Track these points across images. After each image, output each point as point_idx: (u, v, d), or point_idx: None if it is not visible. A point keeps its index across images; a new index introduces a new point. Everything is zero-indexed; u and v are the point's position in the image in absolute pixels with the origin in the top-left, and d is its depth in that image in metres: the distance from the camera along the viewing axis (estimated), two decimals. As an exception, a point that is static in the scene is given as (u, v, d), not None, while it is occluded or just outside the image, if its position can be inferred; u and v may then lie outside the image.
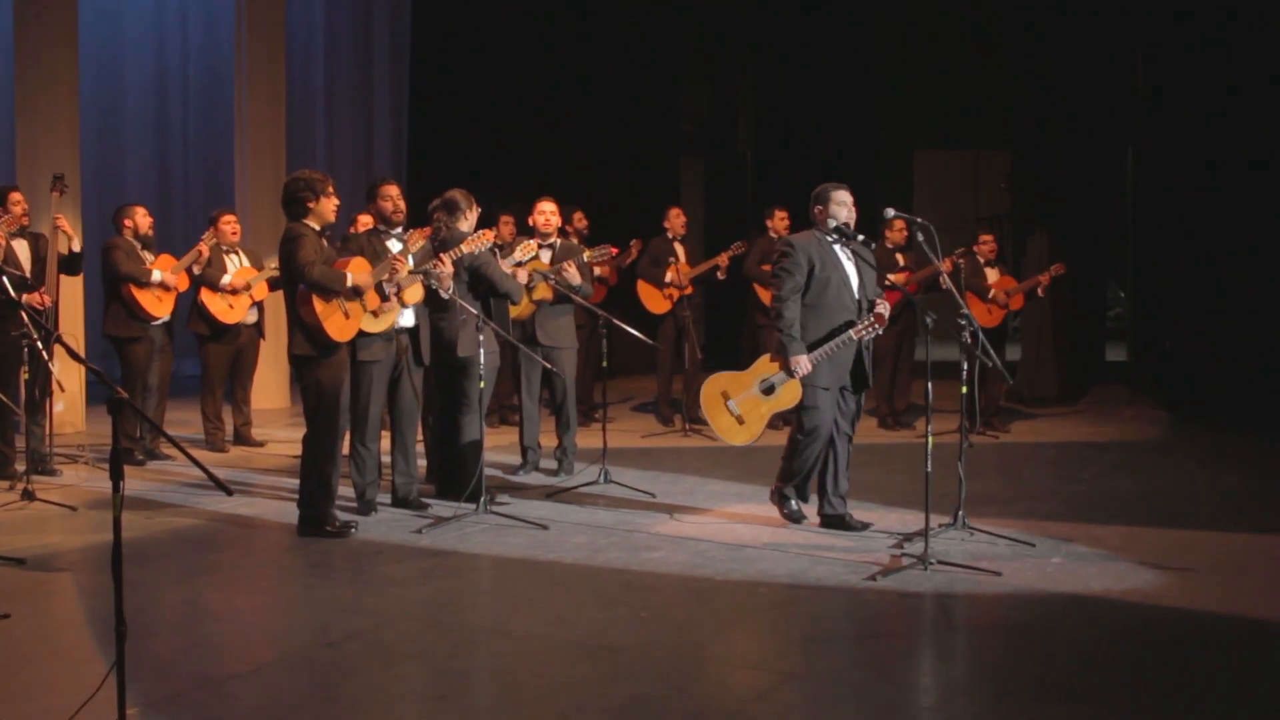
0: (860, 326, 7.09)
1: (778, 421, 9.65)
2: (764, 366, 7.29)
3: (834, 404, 7.33)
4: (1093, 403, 13.86)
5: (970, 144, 19.08)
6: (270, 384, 12.65)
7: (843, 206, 7.26)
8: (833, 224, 7.25)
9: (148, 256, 9.93)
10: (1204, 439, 11.59)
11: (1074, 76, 14.85)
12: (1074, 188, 14.65)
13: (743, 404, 7.29)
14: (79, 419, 11.41)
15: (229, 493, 4.40)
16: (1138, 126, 15.83)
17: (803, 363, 7.09)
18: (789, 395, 7.19)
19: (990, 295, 11.06)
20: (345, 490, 7.89)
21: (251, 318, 10.50)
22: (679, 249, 11.65)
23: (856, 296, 7.24)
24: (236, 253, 10.45)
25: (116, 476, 4.18)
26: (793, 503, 7.60)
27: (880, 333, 7.18)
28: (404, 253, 7.63)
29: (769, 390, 7.24)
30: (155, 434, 10.03)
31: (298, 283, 7.24)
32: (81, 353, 10.32)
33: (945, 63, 18.90)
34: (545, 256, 9.45)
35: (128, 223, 9.92)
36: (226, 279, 10.21)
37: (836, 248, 7.25)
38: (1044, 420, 12.42)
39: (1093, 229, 14.80)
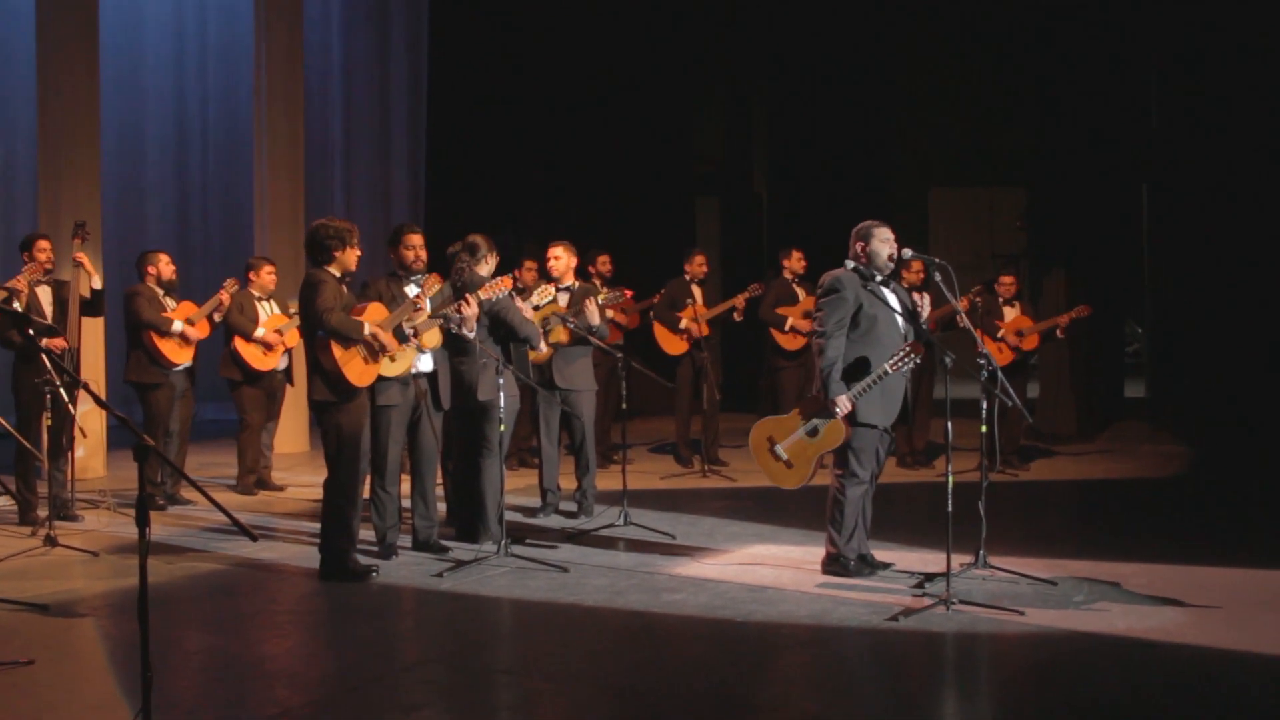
0: (895, 359, 6.99)
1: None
2: (807, 409, 7.22)
3: (877, 445, 7.28)
4: (1112, 439, 13.82)
5: (986, 182, 19.13)
6: (290, 428, 12.70)
7: (885, 244, 7.18)
8: (878, 262, 7.19)
9: (170, 303, 10.00)
10: (1223, 475, 11.56)
11: (1089, 114, 14.90)
12: (1090, 225, 14.67)
13: (790, 448, 7.24)
14: (100, 464, 11.47)
15: (253, 538, 4.42)
16: (1153, 164, 15.87)
17: (843, 402, 7.04)
18: (833, 436, 7.13)
19: (999, 335, 11.04)
20: (366, 534, 7.91)
21: (282, 364, 10.57)
22: (696, 291, 11.68)
23: (903, 333, 7.23)
24: (268, 300, 10.53)
25: (142, 523, 4.20)
26: (852, 564, 7.34)
27: (919, 361, 7.05)
28: (422, 295, 7.66)
29: (813, 432, 7.19)
30: (177, 479, 10.07)
31: (316, 329, 7.29)
32: (103, 398, 10.48)
33: (960, 101, 18.96)
34: (562, 300, 9.49)
35: (151, 270, 10.01)
36: (260, 331, 10.29)
37: (877, 284, 7.23)
38: (1063, 458, 12.39)
39: (1110, 266, 14.79)
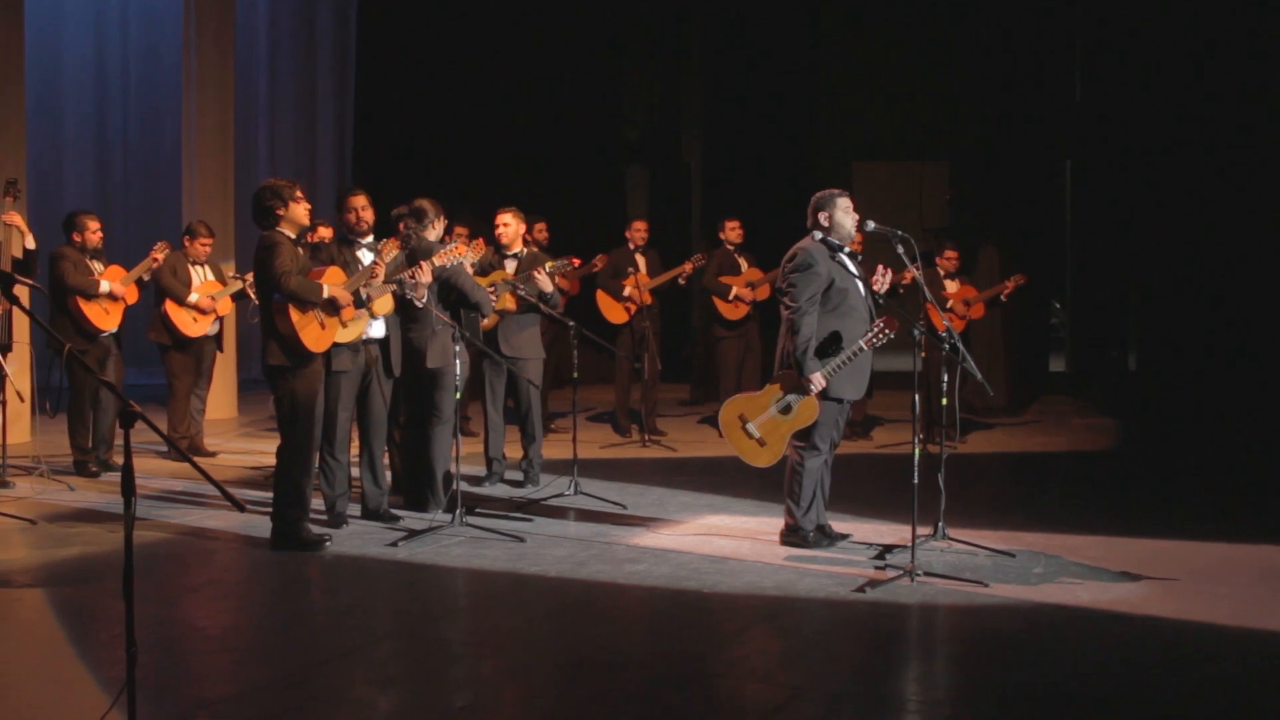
0: (870, 335, 6.95)
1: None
2: (778, 387, 7.13)
3: (837, 417, 7.28)
4: (1041, 413, 14.00)
5: (912, 156, 19.22)
6: (219, 394, 12.44)
7: (848, 214, 7.13)
8: (842, 232, 7.15)
9: (97, 267, 9.71)
10: (1154, 448, 11.77)
11: (1013, 91, 15.04)
12: (1014, 201, 14.81)
13: (762, 426, 7.15)
14: (25, 429, 11.13)
15: (242, 509, 4.29)
16: (1076, 141, 16.06)
17: (818, 379, 6.98)
18: (807, 413, 7.06)
19: (948, 305, 11.11)
20: (315, 502, 7.75)
21: (213, 330, 10.34)
22: (640, 260, 11.61)
23: (868, 303, 7.21)
24: (203, 265, 10.28)
25: (129, 494, 4.05)
26: (810, 535, 7.34)
27: (893, 337, 6.99)
28: (380, 261, 7.51)
29: (786, 410, 7.10)
30: (108, 446, 9.83)
31: (273, 293, 7.10)
32: (28, 363, 10.18)
33: (885, 74, 19.00)
34: (510, 266, 9.37)
35: (76, 236, 9.71)
36: (194, 298, 10.06)
37: (843, 255, 7.19)
38: (998, 431, 12.52)
39: (1034, 241, 14.95)
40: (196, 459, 10.30)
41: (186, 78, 13.28)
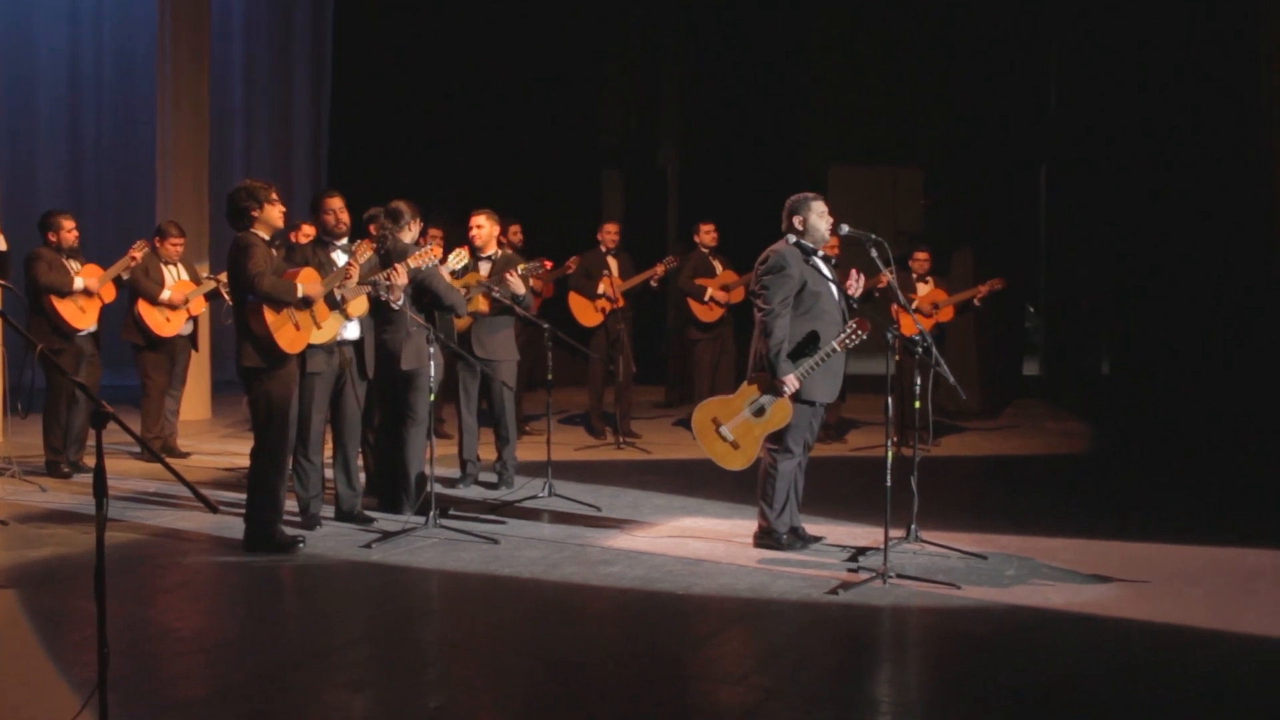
0: (843, 336, 6.96)
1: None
2: (752, 389, 7.13)
3: (811, 420, 7.29)
4: (1015, 416, 14.06)
5: (886, 160, 19.29)
6: (193, 395, 12.39)
7: (823, 218, 7.15)
8: (816, 235, 7.17)
9: (74, 266, 9.68)
10: (1127, 451, 11.83)
11: (987, 96, 15.09)
12: (988, 206, 14.88)
13: (735, 429, 7.14)
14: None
15: (214, 509, 4.28)
16: (1050, 146, 16.14)
17: (791, 381, 6.99)
18: (780, 415, 7.07)
19: (914, 305, 11.13)
20: (288, 504, 7.71)
21: (186, 330, 10.31)
22: (612, 263, 11.62)
23: (841, 307, 7.23)
24: (175, 265, 10.25)
25: (100, 494, 4.03)
26: (784, 538, 7.35)
27: (865, 339, 7.00)
28: (354, 262, 7.51)
29: (759, 412, 7.10)
30: (80, 447, 9.79)
31: (247, 294, 7.09)
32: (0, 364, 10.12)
33: (861, 79, 19.06)
34: (484, 269, 9.37)
35: (51, 236, 9.67)
36: (166, 294, 10.03)
37: (817, 259, 7.21)
38: (971, 434, 12.56)
39: (1008, 246, 15.02)
40: (169, 460, 10.30)
41: (161, 80, 13.22)
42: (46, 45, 15.72)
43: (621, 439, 11.44)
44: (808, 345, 7.03)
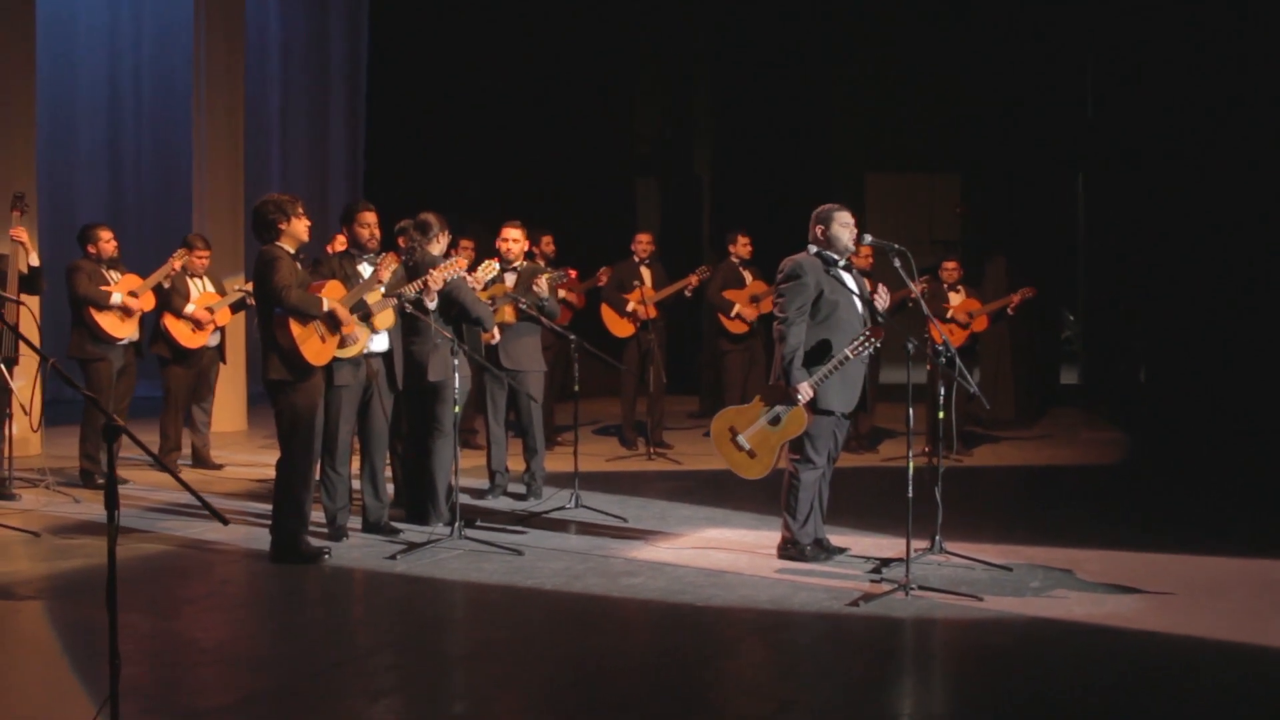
0: (855, 344, 6.94)
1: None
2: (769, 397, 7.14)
3: (834, 430, 7.27)
4: (1050, 426, 13.96)
5: (923, 168, 19.23)
6: (228, 407, 12.52)
7: (846, 228, 7.14)
8: (839, 246, 7.17)
9: (113, 276, 9.80)
10: (1162, 461, 11.73)
11: (1025, 103, 15.03)
12: (1026, 213, 14.80)
13: (752, 437, 7.15)
14: (36, 441, 11.21)
15: (225, 521, 4.32)
16: (1089, 154, 16.05)
17: (805, 389, 6.99)
18: (795, 423, 7.07)
19: (949, 315, 11.09)
20: (316, 515, 7.79)
21: (214, 341, 10.41)
22: (646, 273, 11.63)
23: (863, 317, 7.22)
24: (201, 278, 10.36)
25: (111, 506, 4.07)
26: (808, 549, 7.34)
27: (879, 347, 6.99)
28: (380, 274, 7.56)
29: (775, 421, 7.10)
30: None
31: (273, 306, 7.15)
32: (34, 375, 10.23)
33: (898, 86, 19.03)
34: (510, 280, 9.41)
35: (91, 248, 9.80)
36: (190, 307, 10.14)
37: (839, 269, 7.21)
38: (1005, 444, 12.48)
39: (1045, 254, 14.94)
40: (202, 471, 10.42)
41: (197, 97, 13.38)
42: (87, 63, 15.94)
43: (653, 450, 11.44)
44: (823, 354, 7.03)
